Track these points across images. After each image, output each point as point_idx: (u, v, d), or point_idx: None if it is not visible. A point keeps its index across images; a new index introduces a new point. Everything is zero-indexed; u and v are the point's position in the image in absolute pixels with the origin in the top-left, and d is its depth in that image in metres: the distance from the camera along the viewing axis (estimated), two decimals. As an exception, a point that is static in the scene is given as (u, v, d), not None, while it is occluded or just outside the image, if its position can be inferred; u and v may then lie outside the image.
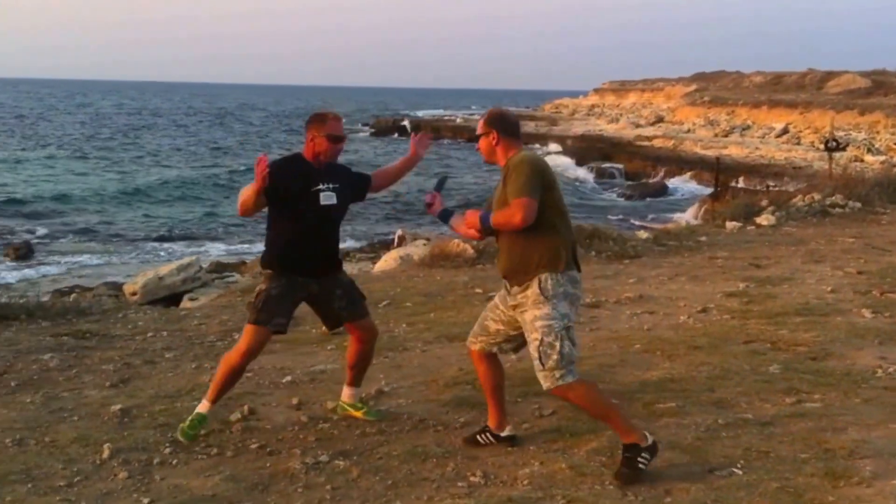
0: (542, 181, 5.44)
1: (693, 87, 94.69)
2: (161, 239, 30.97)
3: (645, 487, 5.31)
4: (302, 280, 6.23)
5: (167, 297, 13.90)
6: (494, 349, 5.98)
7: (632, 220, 33.89)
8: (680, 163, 50.72)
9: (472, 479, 5.56)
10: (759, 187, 33.22)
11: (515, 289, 5.60)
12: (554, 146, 65.47)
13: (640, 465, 5.44)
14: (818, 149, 44.31)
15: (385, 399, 7.24)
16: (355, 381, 6.79)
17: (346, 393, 6.82)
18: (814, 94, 71.29)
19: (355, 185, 6.54)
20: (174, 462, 5.91)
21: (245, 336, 6.19)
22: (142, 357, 8.69)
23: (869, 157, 42.57)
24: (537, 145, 64.57)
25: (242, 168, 53.10)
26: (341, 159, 6.44)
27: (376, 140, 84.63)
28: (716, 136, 61.83)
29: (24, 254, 26.55)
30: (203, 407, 6.29)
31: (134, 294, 13.91)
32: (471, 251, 13.93)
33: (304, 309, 6.59)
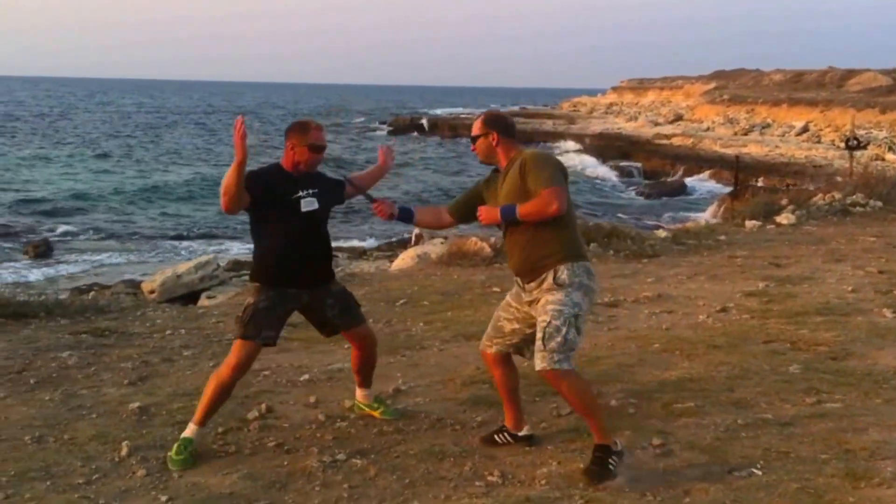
0: (562, 173, 5.47)
1: (712, 84, 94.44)
2: (179, 237, 31.02)
3: (663, 487, 5.29)
4: (292, 291, 6.11)
5: (185, 296, 13.91)
6: (511, 350, 5.95)
7: (646, 220, 33.78)
8: (699, 161, 50.59)
9: (489, 478, 5.55)
10: (778, 186, 33.10)
11: (531, 285, 5.58)
12: (572, 144, 65.34)
13: (610, 467, 5.47)
14: (839, 147, 44.17)
15: (402, 398, 7.23)
16: (365, 383, 6.77)
17: (360, 394, 6.82)
18: (834, 93, 71.01)
19: (333, 190, 6.40)
20: (193, 460, 5.90)
21: (234, 351, 6.01)
22: (160, 355, 8.69)
23: (890, 156, 42.34)
24: (559, 143, 64.62)
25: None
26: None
27: (394, 138, 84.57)
28: (735, 134, 61.61)
29: (43, 252, 26.60)
30: (189, 431, 6.03)
31: (152, 292, 13.93)
32: (488, 250, 13.91)
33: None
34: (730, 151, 48.64)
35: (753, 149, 50.53)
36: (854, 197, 20.36)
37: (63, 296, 13.03)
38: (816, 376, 7.41)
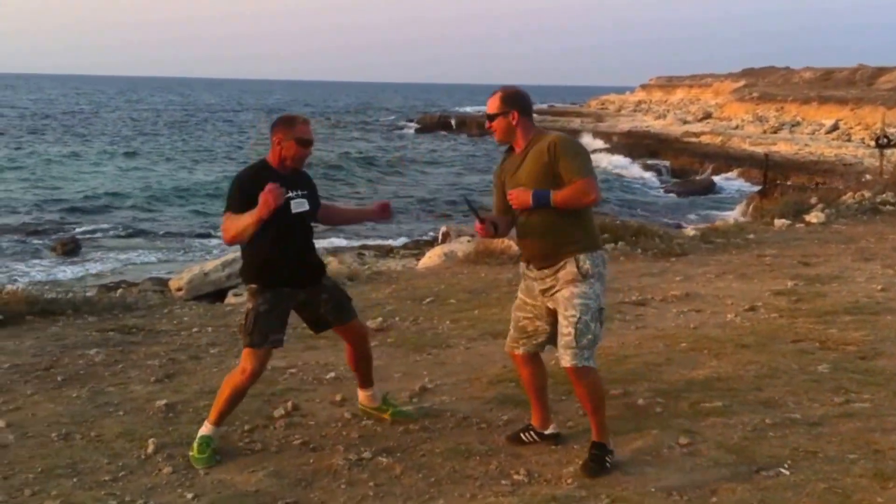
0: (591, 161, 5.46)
1: (742, 82, 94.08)
2: (207, 235, 31.09)
3: (690, 487, 5.27)
4: (288, 290, 6.02)
5: (212, 293, 13.92)
6: (538, 350, 5.93)
7: (673, 218, 33.66)
8: (728, 159, 50.38)
9: (515, 477, 5.54)
10: (807, 184, 32.95)
11: (545, 271, 5.55)
12: (590, 139, 64.95)
13: (607, 464, 5.55)
14: (869, 146, 43.90)
15: (428, 396, 7.22)
16: (365, 382, 6.66)
17: (363, 396, 6.69)
18: (864, 90, 70.59)
19: (316, 191, 6.25)
20: (218, 458, 5.91)
21: (245, 360, 5.96)
22: (187, 352, 8.72)
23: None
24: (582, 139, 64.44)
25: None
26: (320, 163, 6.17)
27: (422, 136, 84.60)
28: (764, 132, 61.35)
29: (71, 249, 26.72)
30: (206, 429, 6.02)
31: (179, 290, 13.96)
32: (515, 248, 13.88)
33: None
34: (759, 149, 48.43)
35: (783, 147, 50.31)
36: (884, 195, 20.25)
37: (91, 293, 13.10)
38: (845, 376, 7.36)
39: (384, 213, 6.49)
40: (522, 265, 5.85)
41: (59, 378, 7.78)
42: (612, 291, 10.86)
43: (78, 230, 30.94)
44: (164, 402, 6.96)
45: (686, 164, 52.84)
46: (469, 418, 6.58)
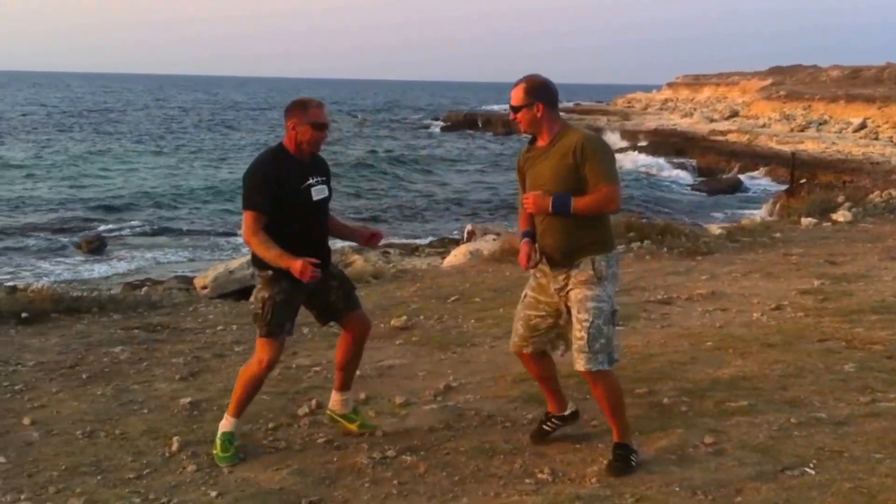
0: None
1: (769, 80, 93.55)
2: (233, 233, 31.16)
3: (715, 486, 5.25)
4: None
5: (237, 291, 13.95)
6: (548, 347, 5.91)
7: (699, 217, 33.53)
8: (754, 158, 50.13)
9: (539, 475, 5.54)
10: (835, 183, 32.79)
11: (559, 270, 5.52)
12: (617, 137, 64.80)
13: (632, 464, 5.54)
14: (896, 144, 43.65)
15: (453, 394, 7.22)
16: (345, 385, 6.40)
17: (336, 400, 6.43)
18: (892, 89, 70.04)
19: (330, 183, 6.15)
20: (242, 456, 5.93)
21: (261, 350, 5.92)
22: (211, 350, 8.75)
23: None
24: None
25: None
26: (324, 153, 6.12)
27: (447, 134, 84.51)
28: (791, 131, 60.96)
29: (96, 247, 26.76)
30: (227, 424, 5.98)
31: (204, 288, 14.01)
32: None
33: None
34: (786, 148, 48.18)
35: (810, 145, 49.98)
36: (912, 194, 20.12)
37: (116, 291, 13.17)
38: (871, 375, 7.32)
39: (371, 242, 6.33)
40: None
41: (83, 376, 7.83)
42: (637, 290, 10.88)
43: (104, 228, 31.03)
44: (188, 399, 6.99)
45: (712, 162, 52.60)
46: (493, 417, 6.59)
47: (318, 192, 5.89)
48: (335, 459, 5.87)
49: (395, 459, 5.84)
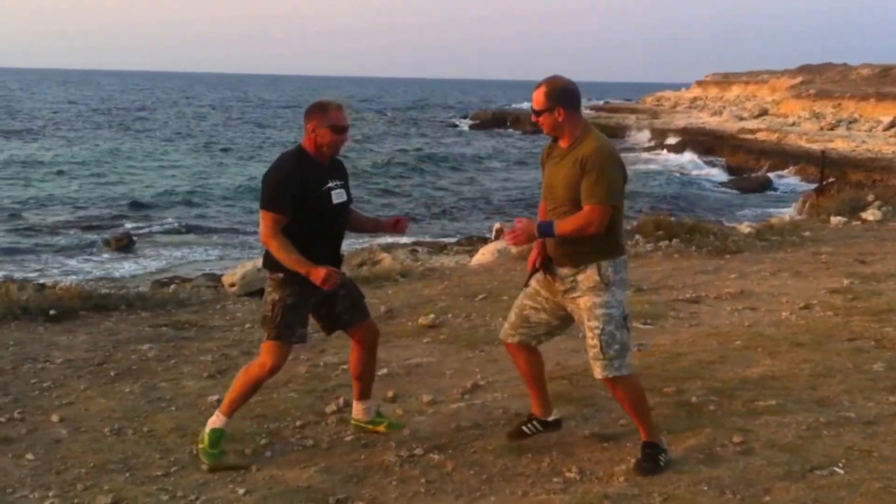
0: (622, 179, 5.34)
1: (799, 79, 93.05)
2: (262, 231, 31.23)
3: (743, 486, 5.24)
4: (314, 284, 5.63)
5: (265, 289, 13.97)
6: (533, 342, 5.89)
7: (728, 215, 33.41)
8: (784, 157, 49.91)
9: (567, 474, 5.53)
10: (865, 182, 32.59)
11: (566, 270, 5.47)
12: (645, 135, 64.66)
13: (660, 463, 5.52)
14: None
15: (480, 393, 7.23)
16: (364, 394, 6.35)
17: (359, 409, 6.38)
18: (923, 87, 69.66)
19: (349, 187, 6.08)
20: (269, 454, 5.96)
21: (267, 352, 5.79)
22: (239, 348, 8.77)
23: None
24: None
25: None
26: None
27: (476, 132, 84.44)
28: (821, 129, 60.61)
29: (125, 245, 26.89)
30: (218, 421, 5.88)
31: (233, 285, 14.03)
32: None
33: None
34: (815, 147, 47.94)
35: (839, 144, 49.72)
36: (943, 193, 19.99)
37: (144, 289, 13.20)
38: (901, 375, 7.29)
39: (398, 228, 6.29)
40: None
41: (112, 373, 7.87)
42: (665, 289, 10.85)
43: (132, 226, 31.14)
44: (215, 397, 6.99)
45: (742, 161, 52.39)
46: (521, 415, 6.55)
47: (338, 196, 5.83)
48: (363, 457, 5.89)
49: (423, 458, 5.85)
